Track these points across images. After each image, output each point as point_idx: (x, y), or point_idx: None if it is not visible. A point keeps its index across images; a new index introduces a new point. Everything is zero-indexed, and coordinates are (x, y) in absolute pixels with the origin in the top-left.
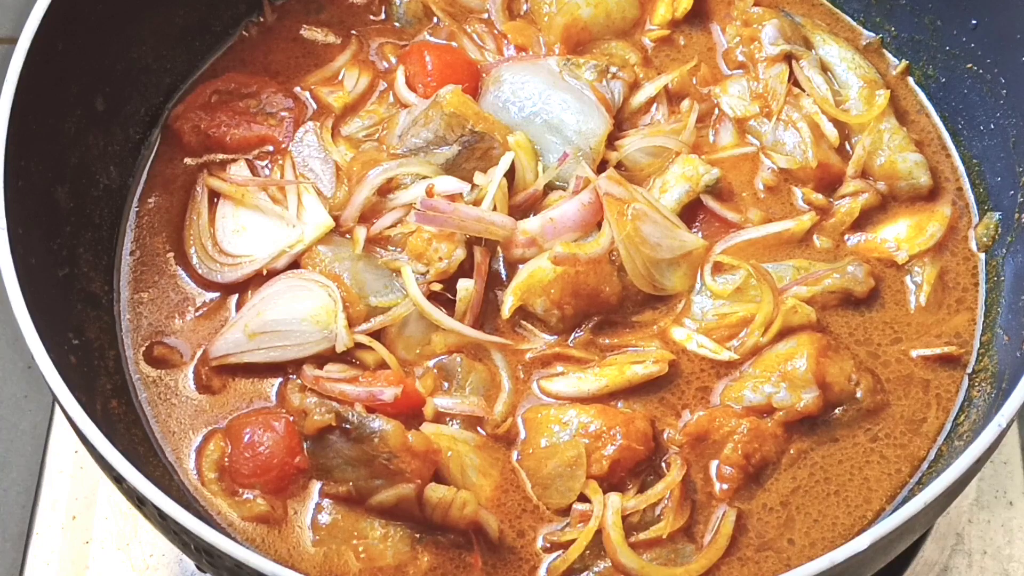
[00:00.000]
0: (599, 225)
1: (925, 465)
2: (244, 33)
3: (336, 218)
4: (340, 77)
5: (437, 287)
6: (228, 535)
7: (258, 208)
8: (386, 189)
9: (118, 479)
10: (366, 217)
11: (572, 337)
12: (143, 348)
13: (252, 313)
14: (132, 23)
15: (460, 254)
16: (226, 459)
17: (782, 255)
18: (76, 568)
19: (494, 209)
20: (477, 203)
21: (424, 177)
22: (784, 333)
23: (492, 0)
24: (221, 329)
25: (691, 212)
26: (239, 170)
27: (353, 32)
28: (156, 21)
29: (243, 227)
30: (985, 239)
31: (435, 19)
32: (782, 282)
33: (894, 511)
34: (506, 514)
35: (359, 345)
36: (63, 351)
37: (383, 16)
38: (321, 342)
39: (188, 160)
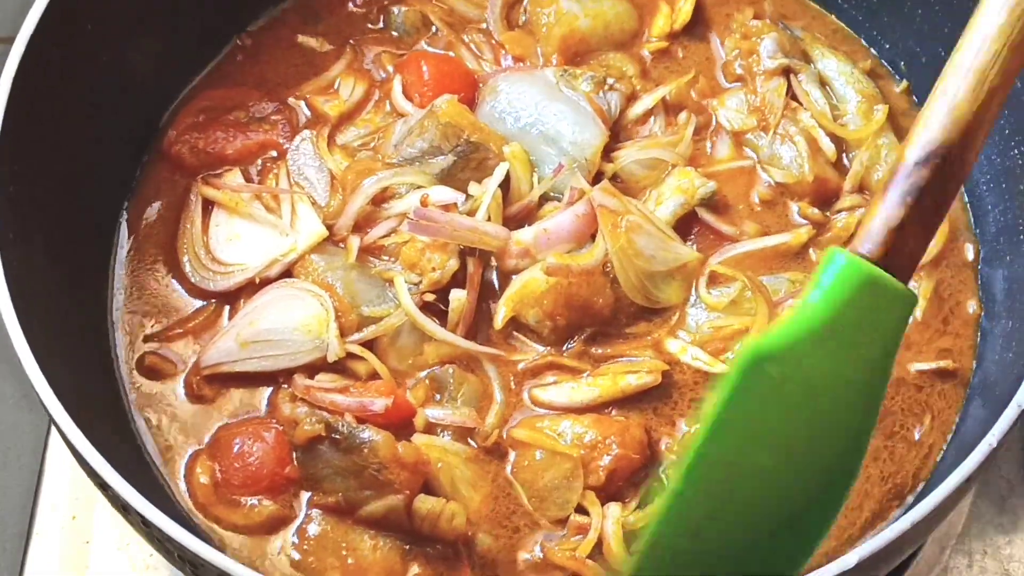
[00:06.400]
0: (593, 237)
1: (921, 476)
2: (239, 42)
3: (330, 227)
4: (336, 86)
5: (430, 297)
6: (215, 546)
7: (252, 216)
8: (380, 198)
9: (103, 486)
10: (360, 226)
11: (565, 348)
12: (135, 358)
13: (244, 322)
14: (128, 30)
15: (453, 264)
16: (217, 471)
17: (777, 268)
18: (76, 568)
19: (488, 220)
20: (471, 213)
21: (419, 187)
22: None
23: (490, 10)
24: (213, 338)
25: (686, 225)
26: (233, 178)
27: (350, 41)
28: (155, 28)
29: (236, 235)
30: (980, 254)
31: (433, 28)
32: (777, 295)
33: (889, 524)
34: (498, 525)
35: (351, 355)
36: (54, 361)
37: (381, 25)
38: (313, 351)
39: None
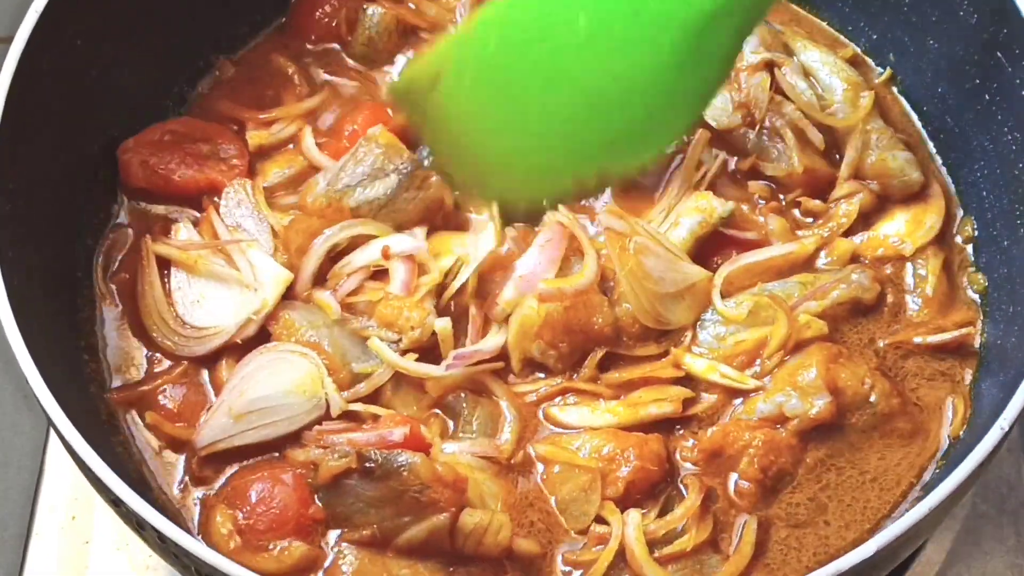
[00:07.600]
0: (579, 253)
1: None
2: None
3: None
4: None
5: (412, 357)
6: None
7: (213, 274)
8: (337, 253)
9: (116, 502)
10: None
11: (579, 373)
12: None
13: (234, 395)
14: (120, 46)
15: (432, 322)
16: (240, 518)
17: (786, 272)
18: (76, 568)
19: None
20: (444, 287)
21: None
22: (797, 347)
23: (460, 9)
24: (203, 417)
25: (710, 249)
26: (186, 232)
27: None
28: (141, 49)
29: (202, 296)
30: (977, 240)
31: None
32: (791, 299)
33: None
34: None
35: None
36: (53, 363)
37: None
38: (312, 411)
39: (131, 202)
